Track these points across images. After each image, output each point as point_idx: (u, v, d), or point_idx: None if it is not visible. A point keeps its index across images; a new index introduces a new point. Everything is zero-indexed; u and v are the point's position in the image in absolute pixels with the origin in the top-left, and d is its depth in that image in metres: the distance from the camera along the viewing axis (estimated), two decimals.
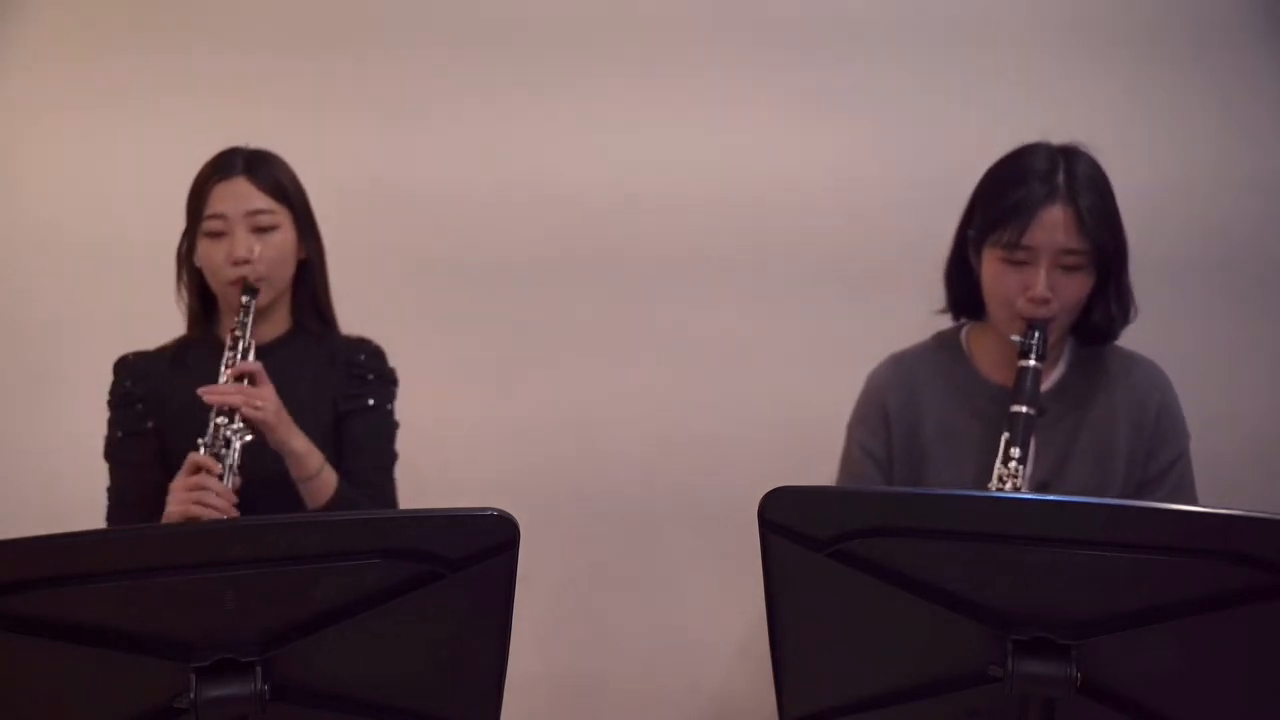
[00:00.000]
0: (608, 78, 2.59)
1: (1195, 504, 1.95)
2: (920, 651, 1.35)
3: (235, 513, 1.86)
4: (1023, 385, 1.86)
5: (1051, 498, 1.50)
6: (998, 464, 1.84)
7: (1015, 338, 1.89)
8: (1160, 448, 1.97)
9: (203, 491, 1.84)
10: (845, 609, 1.35)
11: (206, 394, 1.89)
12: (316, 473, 1.96)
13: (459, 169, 2.59)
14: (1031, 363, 1.86)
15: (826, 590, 1.34)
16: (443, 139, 2.59)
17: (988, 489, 1.85)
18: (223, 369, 1.94)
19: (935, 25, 2.55)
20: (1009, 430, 1.85)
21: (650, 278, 2.60)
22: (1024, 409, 1.85)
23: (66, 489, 2.50)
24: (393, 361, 2.16)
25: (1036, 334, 1.87)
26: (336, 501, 1.97)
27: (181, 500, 1.84)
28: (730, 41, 2.58)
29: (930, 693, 1.35)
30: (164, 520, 1.86)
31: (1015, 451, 1.83)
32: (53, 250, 2.60)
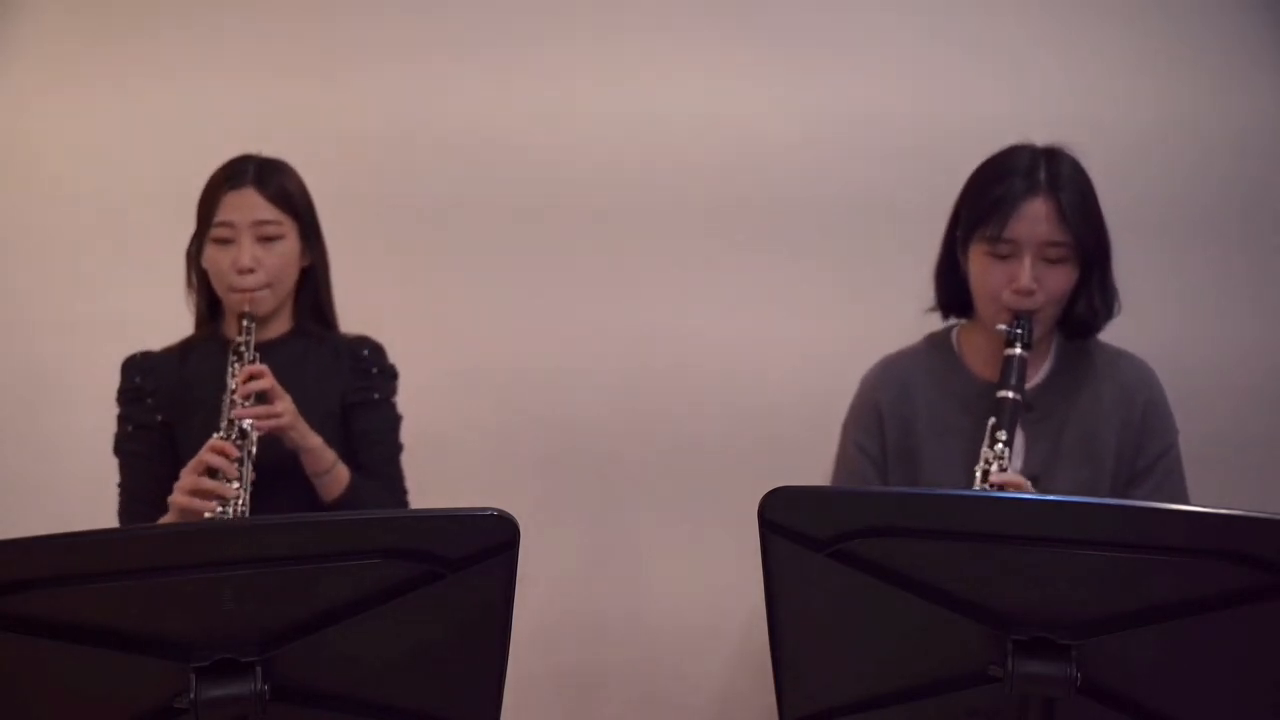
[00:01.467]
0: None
1: (1184, 498, 1.98)
2: (920, 651, 1.35)
3: (236, 490, 1.87)
4: (1009, 372, 1.91)
5: (1051, 498, 1.50)
6: (984, 448, 1.88)
7: (1001, 327, 1.94)
8: (1147, 442, 1.99)
9: (218, 458, 1.87)
10: (845, 609, 1.36)
11: (236, 415, 1.93)
12: (331, 467, 2.02)
13: (454, 163, 2.59)
14: (1017, 351, 1.91)
15: (826, 590, 1.34)
16: (437, 126, 2.59)
17: (974, 472, 1.88)
18: (230, 380, 1.97)
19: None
20: (995, 415, 1.89)
21: (653, 273, 2.61)
22: (1010, 395, 1.90)
23: (66, 489, 2.51)
24: (392, 360, 2.18)
25: (1022, 323, 1.92)
26: (350, 492, 2.03)
27: (193, 470, 1.88)
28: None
29: (930, 693, 1.35)
30: (172, 496, 1.89)
31: (1002, 435, 1.87)
32: (52, 250, 2.60)
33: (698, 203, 2.60)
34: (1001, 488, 1.84)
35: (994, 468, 1.86)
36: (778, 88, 2.58)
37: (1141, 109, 2.52)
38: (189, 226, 2.08)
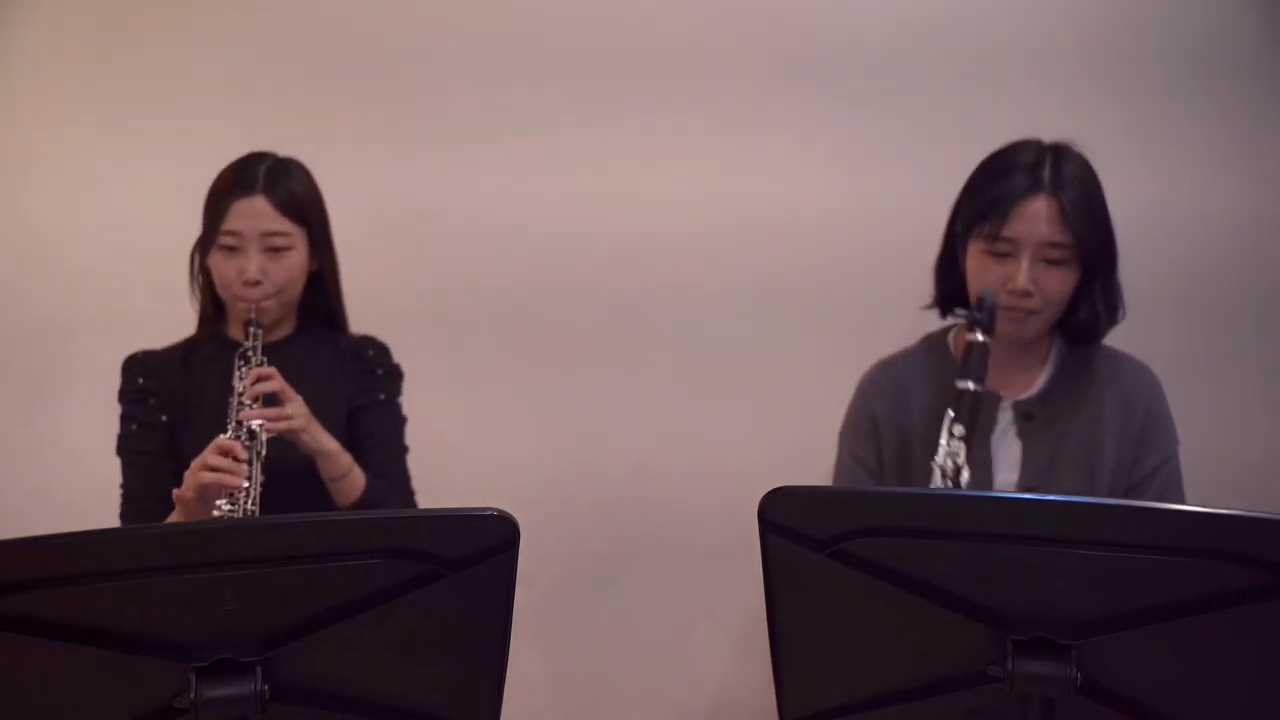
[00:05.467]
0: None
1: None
2: (920, 651, 1.35)
3: (245, 486, 1.83)
4: (969, 361, 1.83)
5: (1052, 498, 1.49)
6: (941, 439, 1.81)
7: (960, 311, 1.87)
8: (1146, 452, 1.94)
9: (221, 459, 1.83)
10: (845, 609, 1.35)
11: (244, 417, 1.89)
12: (347, 471, 1.99)
13: (463, 182, 2.59)
14: (979, 337, 1.82)
15: (826, 590, 1.34)
16: (447, 153, 2.58)
17: (932, 464, 1.81)
18: (236, 382, 1.93)
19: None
20: (953, 408, 1.81)
21: (653, 283, 2.60)
22: (971, 386, 1.81)
23: (66, 490, 2.51)
24: (400, 363, 2.18)
25: (984, 305, 1.83)
26: (367, 496, 2.00)
27: (198, 467, 1.83)
28: (733, 70, 2.57)
29: (930, 693, 1.35)
30: (177, 492, 1.85)
31: (959, 430, 1.80)
32: (51, 253, 2.60)
33: (702, 247, 2.59)
34: None
35: (949, 464, 1.79)
36: (807, 159, 2.56)
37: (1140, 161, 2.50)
38: (191, 227, 2.07)
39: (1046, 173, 1.87)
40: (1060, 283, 1.88)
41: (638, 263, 2.60)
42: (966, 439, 1.79)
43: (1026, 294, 1.87)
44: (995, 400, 1.96)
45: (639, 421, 2.62)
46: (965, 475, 1.80)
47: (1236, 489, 2.45)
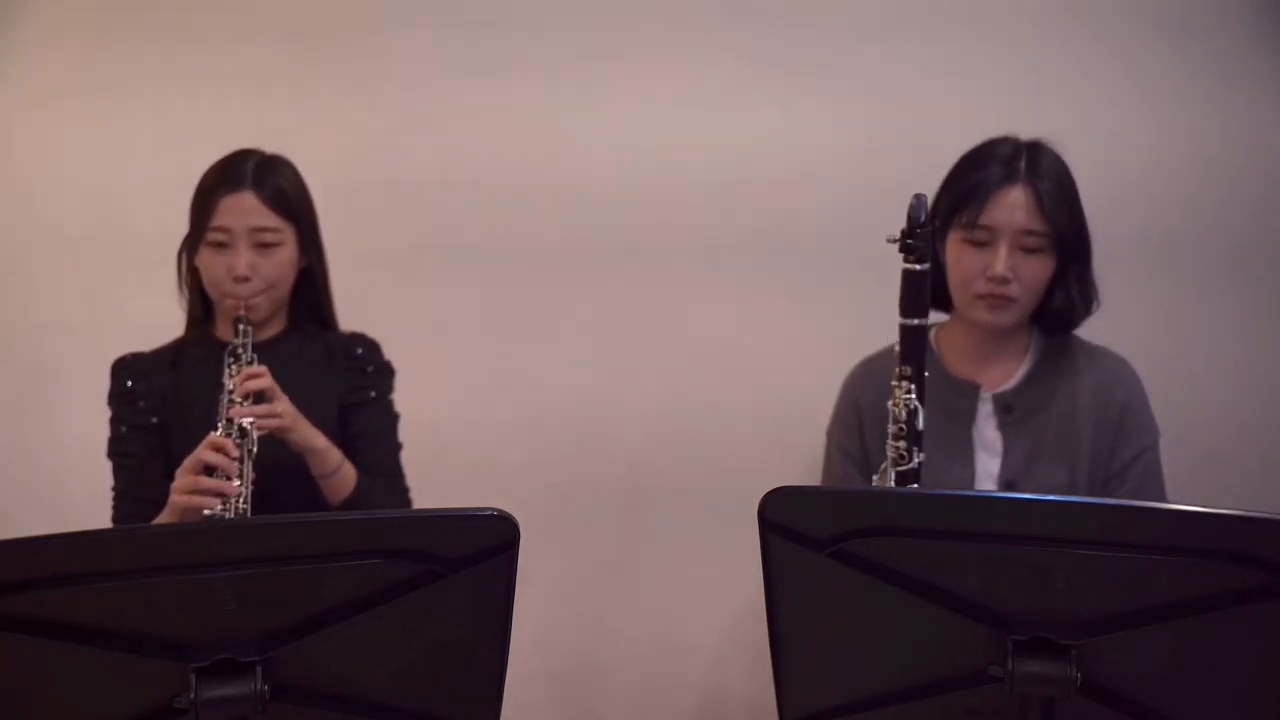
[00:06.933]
0: (605, 66, 2.58)
1: (1163, 502, 1.94)
2: (920, 651, 1.35)
3: (238, 488, 1.83)
4: (906, 293, 1.75)
5: (1052, 498, 1.50)
6: (893, 380, 1.77)
7: (892, 237, 1.74)
8: (1123, 444, 1.97)
9: (216, 455, 1.82)
10: (845, 609, 1.36)
11: (234, 414, 1.88)
12: (337, 468, 1.99)
13: (456, 163, 2.59)
14: (916, 266, 1.73)
15: (826, 590, 1.34)
16: (441, 132, 2.58)
17: (889, 409, 1.78)
18: (227, 380, 1.93)
19: (937, 10, 2.55)
20: (899, 350, 1.77)
21: (651, 272, 2.60)
22: (913, 321, 1.75)
23: (66, 490, 2.51)
24: (392, 358, 2.18)
25: (920, 233, 1.72)
26: (359, 492, 2.00)
27: (190, 469, 1.83)
28: (730, 29, 2.57)
29: (930, 693, 1.35)
30: (171, 497, 1.85)
31: (907, 369, 1.76)
32: (53, 250, 2.60)
33: (702, 227, 2.58)
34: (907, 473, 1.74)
35: (902, 412, 1.74)
36: (811, 127, 2.56)
37: (1134, 142, 2.51)
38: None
39: (1023, 164, 1.93)
40: (1038, 270, 1.93)
41: (635, 248, 2.60)
42: (915, 378, 1.76)
43: (1005, 280, 1.91)
44: (974, 391, 2.00)
45: (639, 419, 2.62)
46: (920, 417, 1.76)
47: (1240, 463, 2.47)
